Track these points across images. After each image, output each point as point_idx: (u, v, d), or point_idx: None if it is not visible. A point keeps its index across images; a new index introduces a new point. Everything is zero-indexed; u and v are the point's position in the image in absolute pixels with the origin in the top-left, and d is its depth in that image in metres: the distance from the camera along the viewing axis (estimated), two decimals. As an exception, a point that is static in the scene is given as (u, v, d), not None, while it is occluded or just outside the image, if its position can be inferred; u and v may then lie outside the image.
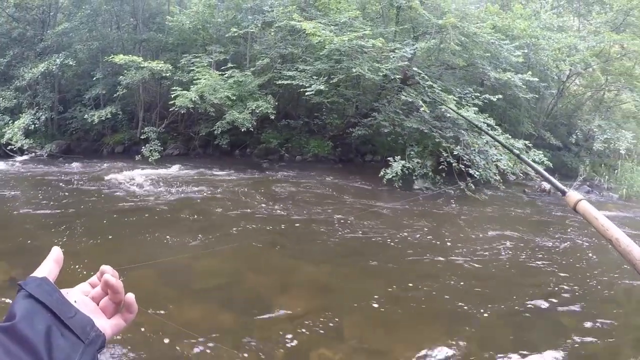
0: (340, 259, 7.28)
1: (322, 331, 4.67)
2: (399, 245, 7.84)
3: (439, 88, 13.07)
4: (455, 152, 12.42)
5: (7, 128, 16.51)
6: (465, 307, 5.43)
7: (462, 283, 6.22)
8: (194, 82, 14.76)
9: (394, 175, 12.16)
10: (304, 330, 4.68)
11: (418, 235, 8.41)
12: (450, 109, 11.52)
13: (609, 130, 15.84)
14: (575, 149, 18.99)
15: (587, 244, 8.50)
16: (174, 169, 14.24)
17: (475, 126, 10.78)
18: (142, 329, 4.41)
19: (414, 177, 12.66)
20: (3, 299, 4.91)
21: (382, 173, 12.30)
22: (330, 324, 4.82)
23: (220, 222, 8.86)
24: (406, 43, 14.08)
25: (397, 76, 13.92)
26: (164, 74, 16.00)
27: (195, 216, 9.22)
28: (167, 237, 7.50)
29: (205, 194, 11.06)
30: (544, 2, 19.15)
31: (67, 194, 10.55)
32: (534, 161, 11.47)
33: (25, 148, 16.39)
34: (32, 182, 12.12)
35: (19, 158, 16.02)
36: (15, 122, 16.56)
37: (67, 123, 18.19)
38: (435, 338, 4.81)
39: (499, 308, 5.49)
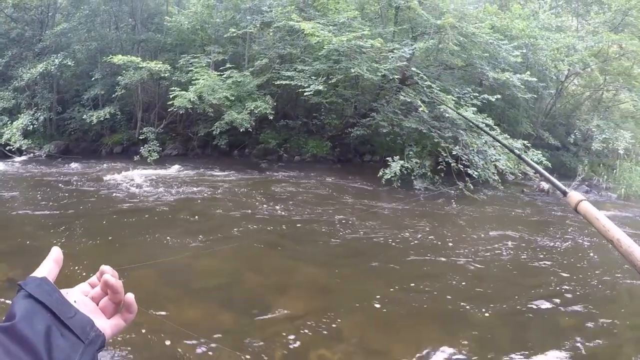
0: (341, 259, 7.27)
1: (321, 332, 4.67)
2: (400, 245, 7.84)
3: (438, 88, 13.08)
4: (454, 152, 12.42)
5: (5, 128, 16.50)
6: (467, 307, 5.43)
7: (463, 283, 6.22)
8: (193, 82, 14.76)
9: (393, 175, 12.16)
10: (303, 330, 4.67)
11: (419, 236, 8.41)
12: (451, 109, 11.52)
13: (608, 130, 15.84)
14: (574, 148, 19.00)
15: (587, 243, 8.50)
16: (173, 170, 14.23)
17: (476, 126, 10.77)
18: (142, 329, 4.40)
19: (413, 177, 12.66)
20: (2, 300, 4.91)
21: (380, 173, 12.30)
22: (330, 325, 4.81)
23: (220, 223, 8.86)
24: (405, 43, 14.08)
25: (396, 76, 13.94)
26: (162, 75, 16.01)
27: (195, 217, 9.22)
28: (167, 237, 7.49)
29: (204, 194, 11.05)
30: (543, 2, 19.17)
31: (66, 194, 10.54)
32: (533, 161, 11.46)
33: (23, 149, 16.40)
34: (31, 182, 12.11)
35: (18, 158, 16.01)
36: (14, 123, 16.55)
37: (65, 123, 18.19)
38: (436, 338, 4.81)
39: (499, 308, 5.49)
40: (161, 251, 6.87)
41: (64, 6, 18.76)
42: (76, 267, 5.62)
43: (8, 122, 16.72)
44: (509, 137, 12.63)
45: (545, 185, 14.01)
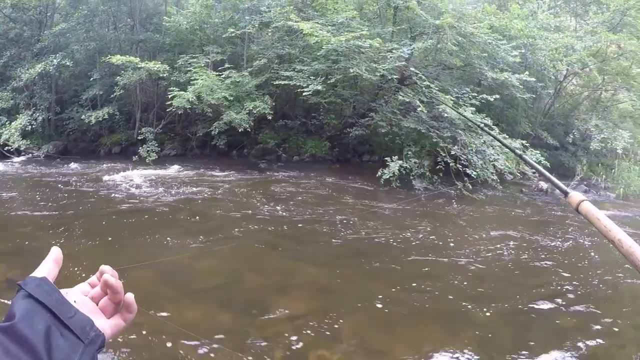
0: (341, 259, 7.27)
1: (322, 332, 4.66)
2: (400, 245, 7.84)
3: (436, 88, 13.10)
4: (453, 152, 12.43)
5: (4, 129, 16.48)
6: (468, 307, 5.43)
7: (464, 283, 6.22)
8: (191, 82, 14.76)
9: (391, 175, 12.16)
10: (304, 330, 4.67)
11: (420, 236, 8.41)
12: (453, 110, 11.52)
13: (606, 130, 15.86)
14: (573, 148, 19.01)
15: (588, 243, 8.51)
16: (172, 170, 14.23)
17: (477, 127, 10.78)
18: (142, 330, 4.40)
19: (412, 177, 12.66)
20: (1, 300, 4.90)
21: (379, 173, 12.30)
22: (331, 325, 4.81)
23: (220, 223, 8.86)
24: (403, 43, 14.09)
25: (395, 76, 13.95)
26: (161, 75, 16.00)
27: (195, 217, 9.22)
28: (166, 237, 7.49)
29: (203, 194, 11.05)
30: (541, 2, 19.16)
31: (65, 195, 10.53)
32: (532, 161, 11.48)
33: (22, 149, 16.38)
34: (29, 183, 12.10)
35: (16, 159, 16.00)
36: (12, 123, 16.54)
37: (64, 124, 18.19)
38: (437, 338, 4.81)
39: (501, 308, 5.49)
40: (161, 251, 6.87)
41: (63, 6, 18.75)
42: (75, 268, 5.62)
43: (7, 123, 16.70)
44: (507, 137, 12.64)
45: (543, 185, 14.02)
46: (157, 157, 15.71)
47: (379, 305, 5.37)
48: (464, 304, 5.51)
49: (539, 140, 17.42)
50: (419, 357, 4.37)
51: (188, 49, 18.07)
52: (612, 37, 16.30)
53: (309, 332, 4.65)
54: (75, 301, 0.81)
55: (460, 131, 12.85)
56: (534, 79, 13.95)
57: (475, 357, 4.39)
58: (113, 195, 10.69)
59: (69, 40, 17.96)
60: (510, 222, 10.02)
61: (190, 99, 14.29)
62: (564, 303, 5.73)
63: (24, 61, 17.47)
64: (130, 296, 0.87)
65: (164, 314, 4.86)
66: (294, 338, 4.52)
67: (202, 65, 15.79)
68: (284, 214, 9.55)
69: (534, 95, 16.02)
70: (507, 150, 11.99)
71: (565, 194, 1.77)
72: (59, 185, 11.48)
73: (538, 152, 12.73)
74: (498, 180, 12.29)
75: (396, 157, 12.66)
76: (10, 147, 16.14)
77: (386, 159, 12.76)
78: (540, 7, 18.68)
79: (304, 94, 13.73)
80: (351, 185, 13.08)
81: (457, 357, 4.37)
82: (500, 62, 14.25)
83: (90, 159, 16.28)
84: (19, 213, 8.98)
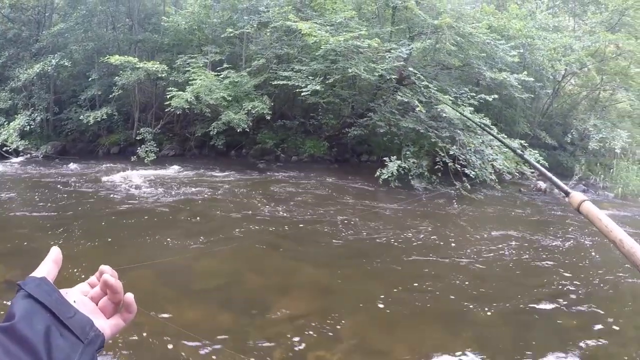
0: (342, 259, 7.28)
1: (322, 332, 4.67)
2: (401, 245, 7.84)
3: (435, 88, 13.11)
4: (451, 152, 12.43)
5: (2, 129, 16.45)
6: (469, 307, 5.44)
7: (466, 283, 6.23)
8: (190, 82, 14.74)
9: (390, 175, 12.16)
10: (304, 331, 4.68)
11: (420, 236, 8.42)
12: (457, 111, 11.52)
13: (605, 130, 15.87)
14: (571, 148, 19.00)
15: (588, 243, 8.52)
16: (171, 170, 14.22)
17: (480, 127, 10.77)
18: (142, 330, 4.40)
19: (410, 177, 12.66)
20: (0, 301, 4.90)
21: (378, 173, 12.30)
22: (331, 325, 4.81)
23: (220, 223, 8.86)
24: (402, 43, 14.09)
25: (393, 76, 13.94)
26: (159, 75, 15.99)
27: (194, 217, 9.22)
28: (166, 238, 7.49)
29: (202, 195, 11.05)
30: (540, 2, 19.19)
31: (63, 195, 10.52)
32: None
33: (20, 149, 16.35)
34: (28, 183, 12.10)
35: (15, 159, 15.97)
36: (11, 124, 16.51)
37: (62, 124, 18.16)
38: (438, 338, 4.82)
39: (501, 308, 5.49)
40: (161, 252, 6.87)
41: (61, 6, 18.73)
42: (74, 269, 5.61)
43: (5, 123, 16.67)
44: (505, 137, 12.64)
45: (542, 185, 14.02)
46: (155, 157, 15.69)
47: (379, 306, 5.37)
48: (465, 304, 5.52)
49: (538, 140, 17.42)
50: (419, 358, 4.37)
51: (186, 49, 18.06)
52: (611, 37, 16.31)
53: (309, 332, 4.66)
54: (74, 301, 0.81)
55: (458, 131, 12.86)
56: (532, 79, 13.96)
57: (476, 357, 4.39)
58: (112, 195, 10.69)
59: (68, 41, 17.93)
60: (510, 222, 10.03)
61: (188, 99, 14.27)
62: (565, 303, 5.74)
63: (23, 61, 17.44)
64: (129, 296, 0.87)
65: (164, 314, 4.86)
66: (294, 338, 4.52)
67: (201, 65, 15.78)
68: (284, 214, 9.55)
69: (532, 95, 16.02)
70: (506, 150, 12.07)
71: (567, 194, 1.77)
72: (58, 186, 11.47)
73: (536, 152, 12.73)
74: (496, 180, 12.30)
75: (395, 157, 12.66)
76: (8, 148, 16.11)
77: (385, 159, 12.76)
78: (538, 7, 18.71)
79: (302, 94, 13.73)
80: (350, 186, 13.08)
81: (458, 358, 4.37)
82: (499, 62, 14.26)
83: (88, 159, 16.26)
84: (17, 214, 8.98)
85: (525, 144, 12.79)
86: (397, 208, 10.61)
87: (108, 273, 0.85)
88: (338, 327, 4.81)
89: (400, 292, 5.85)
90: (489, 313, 5.29)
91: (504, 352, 4.52)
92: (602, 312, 5.51)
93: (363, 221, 9.11)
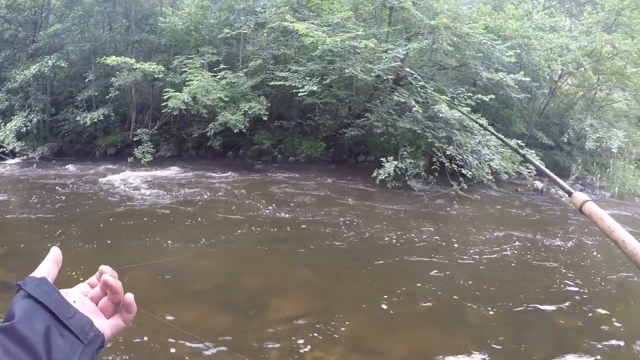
0: (341, 260, 7.28)
1: (320, 333, 4.67)
2: (400, 246, 7.84)
3: (432, 88, 13.11)
4: (448, 152, 12.44)
5: (-2, 130, 16.43)
6: (471, 307, 5.45)
7: (467, 283, 6.23)
8: (187, 83, 14.73)
9: (387, 175, 12.17)
10: (301, 332, 4.68)
11: (420, 236, 8.42)
12: (459, 110, 11.52)
13: (601, 129, 15.90)
14: (568, 148, 19.05)
15: (589, 243, 8.55)
16: (168, 171, 14.20)
17: (482, 127, 10.77)
18: (141, 330, 4.40)
19: (407, 178, 12.67)
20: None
21: (374, 174, 12.31)
22: (329, 326, 4.81)
23: (218, 224, 8.84)
24: (399, 44, 14.10)
25: (390, 77, 13.95)
26: (156, 76, 15.95)
27: (192, 218, 9.19)
28: (165, 239, 7.48)
29: (200, 196, 11.04)
30: (536, 3, 19.21)
31: (61, 197, 10.50)
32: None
33: (17, 151, 16.32)
34: (25, 185, 12.06)
35: (11, 161, 15.94)
36: (7, 125, 16.48)
37: (59, 125, 18.11)
38: (437, 339, 4.82)
39: (503, 308, 5.49)
40: (160, 253, 6.87)
41: (58, 7, 18.67)
42: (72, 271, 5.60)
43: (1, 124, 16.63)
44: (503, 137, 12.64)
45: (539, 185, 14.06)
46: (152, 158, 15.66)
47: (378, 306, 5.38)
48: (465, 304, 5.54)
49: (534, 139, 17.46)
50: (419, 358, 4.38)
51: (183, 49, 18.05)
52: (607, 37, 16.34)
53: (307, 333, 4.66)
54: (74, 301, 0.81)
55: (455, 131, 12.87)
56: (529, 79, 13.97)
57: (476, 358, 4.39)
58: (109, 197, 10.66)
59: (64, 41, 17.89)
60: (509, 222, 10.05)
61: (185, 100, 14.26)
62: (567, 303, 5.75)
63: (19, 62, 17.40)
64: (129, 296, 0.87)
65: (163, 314, 4.85)
66: (292, 339, 4.52)
67: (198, 66, 15.76)
68: (282, 215, 9.55)
69: (529, 95, 16.04)
70: (503, 150, 12.07)
71: (569, 194, 1.77)
72: (55, 187, 11.45)
73: (533, 151, 12.78)
74: (493, 180, 12.30)
75: (391, 157, 12.66)
76: (5, 149, 16.08)
77: (382, 159, 12.76)
78: (535, 7, 18.73)
79: (299, 94, 13.72)
80: (349, 186, 13.07)
81: (458, 358, 4.37)
82: (496, 62, 14.29)
83: (85, 160, 16.24)
84: (14, 215, 8.96)
85: (522, 144, 12.80)
86: (396, 208, 10.62)
87: (108, 273, 0.85)
88: (336, 327, 4.81)
89: (399, 293, 5.85)
90: (490, 313, 5.30)
91: (504, 353, 4.52)
92: (605, 312, 5.51)
93: (362, 222, 9.11)
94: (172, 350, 4.22)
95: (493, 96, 13.16)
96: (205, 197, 10.93)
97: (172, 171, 14.20)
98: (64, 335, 0.73)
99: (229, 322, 4.94)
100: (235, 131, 14.88)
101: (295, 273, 6.64)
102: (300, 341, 4.49)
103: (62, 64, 16.50)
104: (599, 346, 4.75)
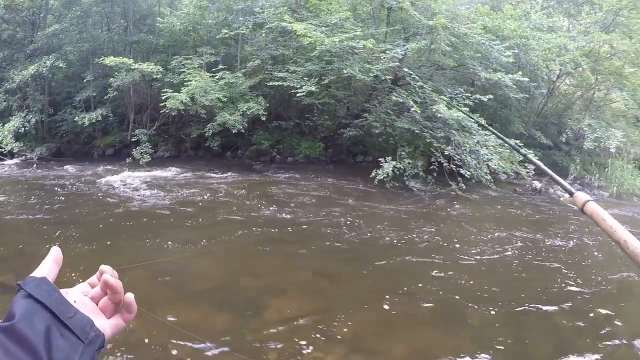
0: (340, 261, 7.27)
1: (319, 333, 4.66)
2: (400, 246, 7.84)
3: (430, 88, 13.12)
4: (446, 152, 12.45)
5: (-4, 131, 16.41)
6: (471, 308, 5.44)
7: (467, 283, 6.23)
8: (185, 83, 14.72)
9: (385, 176, 12.17)
10: (301, 332, 4.67)
11: (419, 237, 8.41)
12: (461, 111, 11.52)
13: (599, 129, 15.91)
14: (566, 148, 19.07)
15: (590, 242, 8.57)
16: (166, 172, 14.18)
17: (486, 128, 10.78)
18: (140, 329, 4.40)
19: (405, 178, 12.67)
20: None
21: (373, 174, 12.31)
22: (329, 326, 4.81)
23: (218, 224, 8.83)
24: (397, 44, 14.11)
25: (388, 77, 13.96)
26: (154, 76, 15.94)
27: (191, 219, 9.17)
28: (164, 240, 7.46)
29: (199, 196, 11.03)
30: (534, 3, 19.25)
31: (59, 197, 10.49)
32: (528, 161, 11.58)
33: (15, 151, 16.28)
34: (23, 185, 12.04)
35: (9, 161, 15.91)
36: (5, 125, 16.45)
37: (57, 126, 18.09)
38: (436, 339, 4.82)
39: (503, 309, 5.48)
40: (160, 253, 6.86)
41: (56, 7, 18.63)
42: (71, 272, 5.58)
43: (-1, 125, 16.65)
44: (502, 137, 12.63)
45: (537, 185, 14.07)
46: (150, 159, 15.65)
47: (379, 306, 5.37)
48: (466, 304, 5.54)
49: (533, 139, 17.47)
50: (418, 358, 4.38)
51: (182, 50, 18.05)
52: (605, 37, 16.37)
53: (306, 333, 4.65)
54: (75, 301, 0.81)
55: (453, 131, 12.87)
56: (527, 79, 13.97)
57: (476, 358, 4.39)
58: (108, 197, 10.65)
59: (62, 42, 17.88)
60: (509, 222, 10.06)
61: (183, 101, 14.24)
62: (567, 303, 5.75)
63: (17, 63, 17.38)
64: (130, 296, 0.87)
65: (163, 314, 4.85)
66: (292, 339, 4.52)
67: (196, 66, 15.75)
68: (282, 215, 9.54)
69: (527, 95, 16.06)
70: (501, 150, 12.08)
71: (571, 194, 1.77)
72: (54, 188, 11.43)
73: (532, 151, 12.77)
74: (492, 180, 12.32)
75: (390, 157, 12.66)
76: (3, 150, 16.04)
77: (380, 159, 12.76)
78: (533, 7, 18.76)
79: (297, 95, 13.71)
80: (348, 186, 13.07)
81: (458, 359, 4.38)
82: (494, 62, 14.29)
83: (83, 161, 16.22)
84: (13, 216, 8.94)
85: (521, 144, 12.77)
86: (396, 208, 10.62)
87: (108, 273, 0.86)
88: (337, 327, 4.81)
89: (400, 293, 5.85)
90: (491, 313, 5.30)
91: (505, 353, 4.52)
92: (605, 312, 5.51)
93: (362, 222, 9.11)
94: (172, 350, 4.22)
95: (491, 96, 13.15)
96: (205, 197, 10.92)
97: (170, 171, 14.19)
98: (64, 335, 0.73)
99: (229, 322, 4.93)
100: (233, 131, 14.87)
101: (295, 273, 6.63)
102: (301, 341, 4.49)
103: (60, 65, 16.46)
104: (600, 346, 4.76)
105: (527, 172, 12.62)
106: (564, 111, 20.14)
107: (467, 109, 12.70)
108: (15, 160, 16.11)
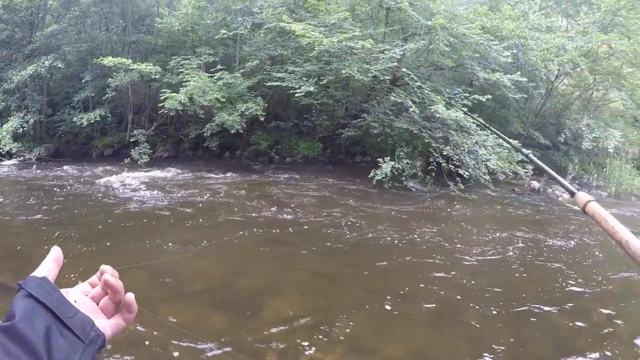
0: (339, 261, 7.26)
1: (317, 334, 4.66)
2: (399, 246, 7.83)
3: (428, 89, 13.12)
4: (445, 153, 12.46)
5: (-5, 131, 16.40)
6: (471, 308, 5.44)
7: (467, 283, 6.23)
8: (183, 84, 14.71)
9: (384, 176, 12.18)
10: (299, 332, 4.67)
11: (421, 237, 8.41)
12: (466, 113, 11.52)
13: (598, 129, 15.94)
14: (564, 148, 19.09)
15: (591, 242, 8.58)
16: (165, 172, 14.17)
17: (485, 127, 10.78)
18: (140, 329, 4.39)
19: (404, 178, 12.68)
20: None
21: (371, 174, 12.32)
22: (327, 327, 4.80)
23: (217, 225, 8.82)
24: (395, 44, 14.11)
25: (387, 77, 13.97)
26: (153, 76, 15.93)
27: (191, 219, 9.16)
28: (163, 240, 7.45)
29: (199, 196, 11.02)
30: (532, 3, 19.25)
31: (58, 198, 10.47)
32: (526, 161, 11.60)
33: (13, 152, 16.27)
34: (22, 186, 12.03)
35: (7, 162, 15.90)
36: (4, 126, 16.43)
37: (55, 126, 18.09)
38: (437, 339, 4.82)
39: (503, 308, 5.48)
40: (159, 254, 6.85)
41: (54, 7, 18.62)
42: (72, 272, 5.58)
43: (-2, 125, 16.63)
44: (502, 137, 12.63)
45: (536, 185, 14.09)
46: (149, 159, 15.65)
47: (378, 306, 5.38)
48: (467, 304, 5.54)
49: (531, 140, 17.49)
50: (418, 358, 4.38)
51: (180, 50, 18.04)
52: (603, 37, 16.38)
53: (305, 333, 4.65)
54: (75, 301, 0.81)
55: (452, 131, 12.88)
56: (525, 79, 13.98)
57: (477, 358, 4.39)
58: (107, 198, 10.64)
59: (61, 42, 17.87)
60: (509, 222, 10.07)
61: (182, 101, 14.24)
62: (567, 303, 5.75)
63: (15, 63, 17.36)
64: (130, 296, 0.87)
65: (163, 314, 4.85)
66: (290, 339, 4.52)
67: (194, 66, 15.75)
68: (281, 215, 9.54)
69: (525, 96, 16.09)
70: (500, 150, 12.09)
71: (572, 194, 1.77)
72: (52, 189, 11.41)
73: (530, 151, 12.76)
74: (490, 180, 12.33)
75: (388, 157, 12.67)
76: (1, 150, 16.04)
77: (378, 159, 12.77)
78: (531, 7, 18.77)
79: (296, 95, 13.72)
80: (348, 187, 13.06)
81: (458, 359, 4.37)
82: (492, 62, 14.30)
83: (82, 161, 16.20)
84: (11, 217, 8.93)
85: (520, 144, 12.80)
86: (396, 209, 10.62)
87: (109, 273, 0.85)
88: (337, 328, 4.80)
89: (400, 293, 5.84)
90: (492, 313, 5.30)
91: (505, 353, 4.51)
92: (606, 312, 5.52)
93: (363, 222, 9.11)
94: (172, 350, 4.21)
95: (490, 96, 13.16)
96: (204, 198, 10.91)
97: (169, 172, 14.18)
98: (64, 335, 0.73)
99: (229, 322, 4.93)
100: (232, 132, 14.88)
101: (295, 273, 6.62)
102: (300, 341, 4.49)
103: (59, 65, 16.44)
104: (600, 346, 4.76)
105: (526, 172, 12.63)
106: (562, 111, 20.17)
107: (466, 109, 12.72)
108: (13, 161, 16.09)
